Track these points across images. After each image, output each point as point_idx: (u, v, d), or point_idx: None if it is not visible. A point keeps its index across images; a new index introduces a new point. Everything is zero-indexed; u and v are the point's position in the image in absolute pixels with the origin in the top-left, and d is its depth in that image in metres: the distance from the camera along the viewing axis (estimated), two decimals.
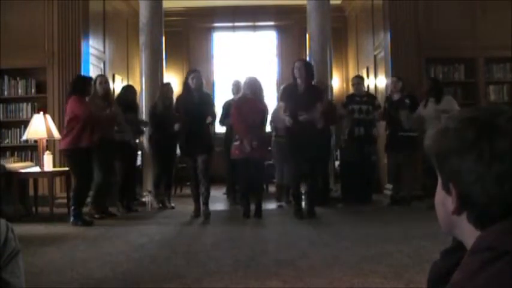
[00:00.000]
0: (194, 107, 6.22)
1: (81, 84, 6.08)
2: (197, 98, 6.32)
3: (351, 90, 8.09)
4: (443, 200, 0.89)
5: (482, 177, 0.81)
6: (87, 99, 6.15)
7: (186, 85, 6.47)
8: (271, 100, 7.39)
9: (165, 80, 8.06)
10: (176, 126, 6.53)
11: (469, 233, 0.86)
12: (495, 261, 0.76)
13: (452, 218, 0.88)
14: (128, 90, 7.35)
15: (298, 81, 6.23)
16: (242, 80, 6.81)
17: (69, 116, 5.98)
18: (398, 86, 7.21)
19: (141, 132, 7.38)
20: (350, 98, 7.64)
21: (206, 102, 6.42)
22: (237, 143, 6.25)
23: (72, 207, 5.96)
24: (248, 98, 6.31)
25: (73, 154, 5.97)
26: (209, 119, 6.30)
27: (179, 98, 6.68)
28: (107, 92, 6.68)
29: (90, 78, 6.58)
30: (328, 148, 7.26)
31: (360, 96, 7.51)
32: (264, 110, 6.39)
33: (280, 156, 7.17)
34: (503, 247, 0.77)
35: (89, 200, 6.34)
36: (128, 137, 6.80)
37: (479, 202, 0.83)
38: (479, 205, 0.83)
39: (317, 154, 6.23)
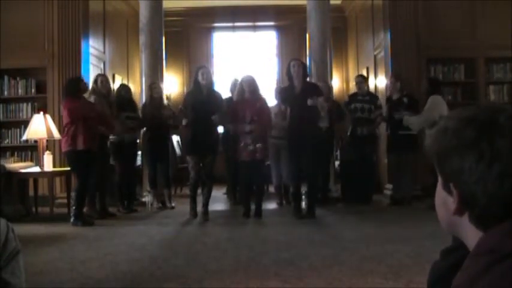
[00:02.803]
0: (202, 105, 6.08)
1: (73, 86, 6.06)
2: (206, 95, 6.19)
3: (351, 90, 8.09)
4: (444, 200, 0.88)
5: (483, 177, 0.80)
6: (88, 95, 6.15)
7: (195, 82, 6.33)
8: (270, 101, 7.36)
9: (165, 80, 8.06)
10: (184, 121, 6.35)
11: (470, 234, 0.85)
12: (497, 264, 0.75)
13: (453, 219, 0.87)
14: (124, 89, 7.36)
15: (295, 81, 6.20)
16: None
17: (65, 118, 5.99)
18: (397, 86, 7.20)
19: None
20: (352, 97, 7.64)
21: (214, 100, 6.24)
22: (242, 144, 6.22)
23: (73, 208, 5.97)
24: (246, 98, 6.28)
25: (71, 156, 5.98)
26: (215, 118, 6.13)
27: (188, 94, 6.61)
28: (109, 91, 6.73)
29: (80, 77, 6.53)
30: (331, 147, 7.23)
31: (362, 95, 7.52)
32: (263, 106, 6.31)
33: (275, 158, 7.13)
34: (504, 250, 0.76)
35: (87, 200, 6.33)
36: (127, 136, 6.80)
37: (480, 202, 0.81)
38: (480, 205, 0.82)
39: (317, 153, 6.21)
